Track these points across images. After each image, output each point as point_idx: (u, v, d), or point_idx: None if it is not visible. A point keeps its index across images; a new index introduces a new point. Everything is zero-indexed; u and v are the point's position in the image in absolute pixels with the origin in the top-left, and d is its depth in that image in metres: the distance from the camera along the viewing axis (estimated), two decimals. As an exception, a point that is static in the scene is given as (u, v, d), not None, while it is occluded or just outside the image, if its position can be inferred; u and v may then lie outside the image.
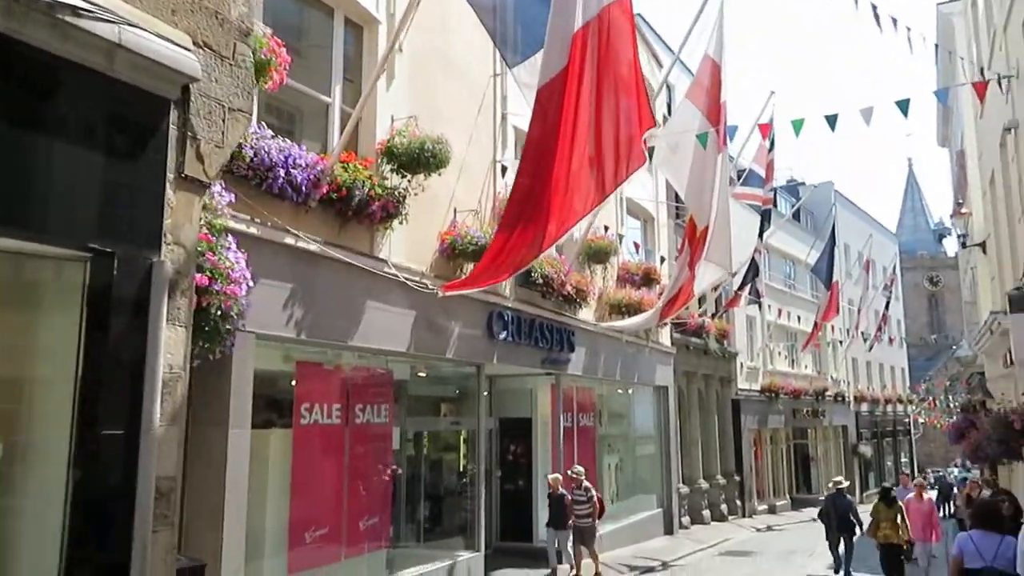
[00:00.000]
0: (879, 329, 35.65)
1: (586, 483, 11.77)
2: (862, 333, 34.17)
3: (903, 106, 9.35)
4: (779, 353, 31.17)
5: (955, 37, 20.43)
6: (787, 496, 30.59)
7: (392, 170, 9.15)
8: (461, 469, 13.03)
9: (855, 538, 14.29)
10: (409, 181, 9.16)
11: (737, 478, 25.79)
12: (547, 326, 12.91)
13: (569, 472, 12.08)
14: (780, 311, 27.42)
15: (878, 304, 36.15)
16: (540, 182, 6.91)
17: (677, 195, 18.29)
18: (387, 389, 10.22)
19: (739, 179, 18.33)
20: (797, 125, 10.02)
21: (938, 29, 21.92)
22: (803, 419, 32.12)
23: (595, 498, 11.66)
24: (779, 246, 32.06)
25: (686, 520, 21.21)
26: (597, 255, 14.20)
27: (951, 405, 56.72)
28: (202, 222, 5.16)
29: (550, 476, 12.30)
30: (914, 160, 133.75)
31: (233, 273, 5.07)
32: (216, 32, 5.15)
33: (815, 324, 25.15)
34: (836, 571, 14.48)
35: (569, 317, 13.70)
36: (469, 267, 10.62)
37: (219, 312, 5.07)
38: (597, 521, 11.83)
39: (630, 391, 18.30)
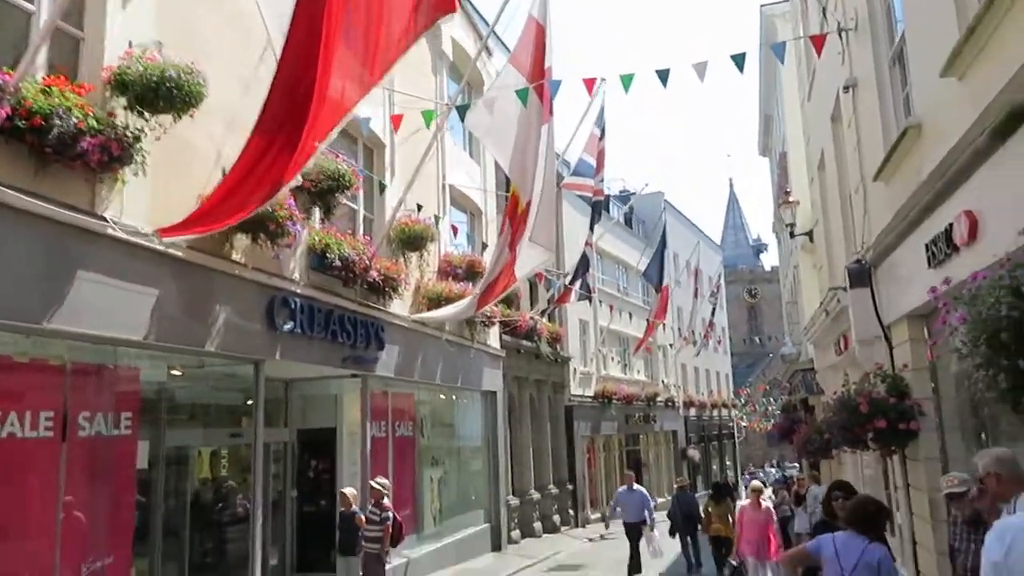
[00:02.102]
0: (706, 335, 36.41)
1: (386, 500, 9.90)
2: (693, 333, 34.76)
3: (739, 61, 8.44)
4: (612, 358, 30.80)
5: (778, 37, 20.62)
6: (620, 504, 30.14)
7: (126, 107, 7.08)
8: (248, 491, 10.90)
9: (699, 533, 14.68)
10: (147, 120, 7.12)
11: (570, 487, 24.87)
12: (349, 319, 11.07)
13: (373, 484, 10.14)
14: (612, 310, 26.87)
15: (705, 312, 36.98)
16: (305, 83, 5.25)
17: (508, 184, 17.08)
18: (130, 393, 8.04)
19: (570, 170, 17.39)
20: (626, 80, 8.89)
21: (761, 30, 22.14)
22: (635, 425, 31.94)
23: (390, 519, 9.75)
24: (612, 251, 31.85)
25: (516, 534, 19.89)
26: (412, 241, 12.53)
27: (768, 409, 59.93)
28: None
29: (344, 489, 10.37)
30: (734, 180, 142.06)
31: None
32: None
33: (648, 323, 24.76)
34: (688, 568, 14.80)
35: (377, 309, 11.93)
36: (242, 241, 8.66)
37: None
38: (389, 548, 9.87)
39: (455, 397, 16.73)
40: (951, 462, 7.10)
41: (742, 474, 50.02)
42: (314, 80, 5.61)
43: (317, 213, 10.26)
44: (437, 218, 12.60)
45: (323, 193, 9.58)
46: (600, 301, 26.53)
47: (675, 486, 16.94)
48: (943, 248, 5.73)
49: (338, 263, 10.28)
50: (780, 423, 25.73)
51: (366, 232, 12.22)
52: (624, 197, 38.45)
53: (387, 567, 9.76)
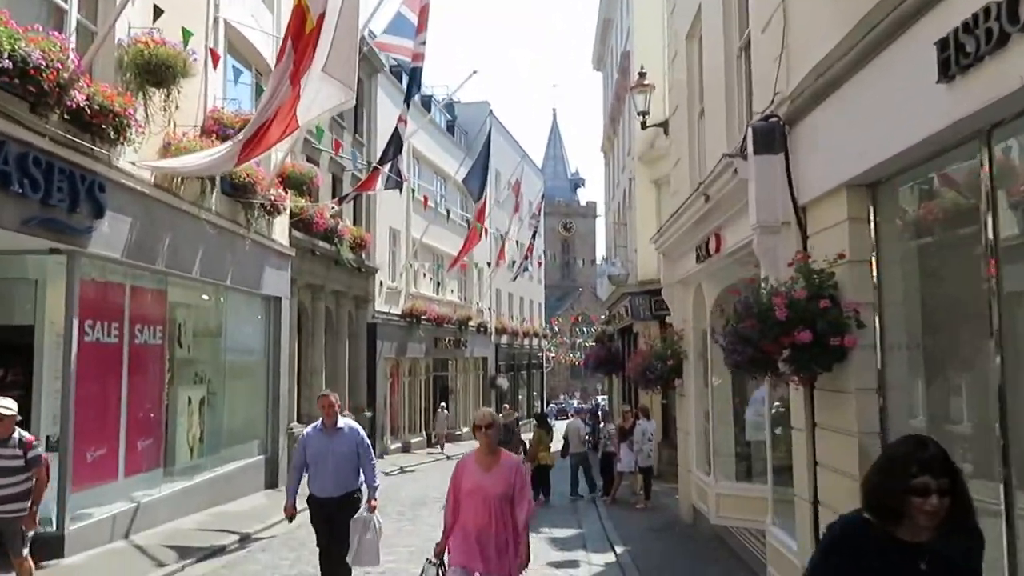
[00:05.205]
0: (525, 258, 34.67)
1: (22, 434, 6.40)
2: (517, 246, 32.95)
3: None
4: (424, 275, 28.14)
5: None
6: (423, 432, 27.97)
7: None
8: None
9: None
10: None
11: (368, 414, 22.16)
12: (38, 161, 7.44)
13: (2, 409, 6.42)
14: (426, 203, 23.79)
15: (524, 236, 35.17)
16: None
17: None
18: None
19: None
20: None
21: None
22: (445, 349, 29.73)
23: (41, 462, 6.32)
24: (432, 159, 28.96)
25: (299, 467, 16.98)
26: (154, 71, 8.89)
27: (577, 341, 60.41)
28: None
29: None
30: (557, 111, 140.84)
31: None
32: None
33: (471, 229, 22.12)
34: None
35: (91, 157, 8.30)
36: None
37: None
38: (34, 504, 6.45)
39: (223, 299, 13.32)
40: (890, 394, 5.05)
41: (547, 404, 49.79)
42: None
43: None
44: (186, 33, 8.95)
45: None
46: (413, 193, 23.40)
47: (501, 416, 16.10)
48: (999, 25, 3.35)
49: (9, 66, 6.59)
50: (596, 352, 24.47)
51: (82, 48, 8.44)
52: (448, 105, 35.74)
53: (29, 532, 6.34)
